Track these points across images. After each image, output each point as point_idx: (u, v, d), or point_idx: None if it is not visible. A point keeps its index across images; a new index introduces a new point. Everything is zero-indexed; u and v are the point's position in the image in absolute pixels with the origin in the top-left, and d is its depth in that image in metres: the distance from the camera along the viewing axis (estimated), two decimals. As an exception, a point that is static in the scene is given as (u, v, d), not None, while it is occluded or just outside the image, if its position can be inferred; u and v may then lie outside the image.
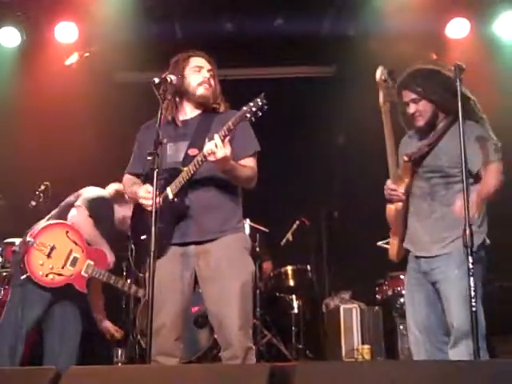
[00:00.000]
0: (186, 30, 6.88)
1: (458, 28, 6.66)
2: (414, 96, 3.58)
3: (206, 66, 3.57)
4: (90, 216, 4.42)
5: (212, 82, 3.55)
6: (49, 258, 4.27)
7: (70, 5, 6.49)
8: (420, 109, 3.57)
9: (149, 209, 3.30)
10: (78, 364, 4.33)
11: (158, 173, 3.07)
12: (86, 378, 2.35)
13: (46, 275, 4.23)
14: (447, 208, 3.45)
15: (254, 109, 3.13)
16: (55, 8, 6.55)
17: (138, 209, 3.50)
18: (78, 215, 4.39)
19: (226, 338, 3.28)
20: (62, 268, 4.29)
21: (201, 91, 3.50)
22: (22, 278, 4.20)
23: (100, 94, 6.83)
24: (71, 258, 4.33)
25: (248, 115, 3.13)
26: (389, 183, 3.62)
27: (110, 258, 4.48)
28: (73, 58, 6.92)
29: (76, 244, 4.35)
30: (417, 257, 3.57)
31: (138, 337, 5.74)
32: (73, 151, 6.61)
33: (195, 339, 5.62)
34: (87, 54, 6.86)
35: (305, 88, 7.25)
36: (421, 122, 3.61)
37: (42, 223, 4.44)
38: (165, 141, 3.17)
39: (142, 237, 3.45)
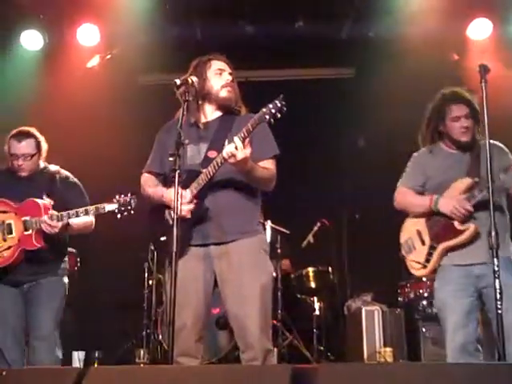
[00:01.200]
0: (207, 32, 6.89)
1: (479, 29, 6.61)
2: (467, 111, 3.69)
3: (227, 69, 3.60)
4: None
5: (234, 84, 3.58)
6: None
7: (92, 7, 6.53)
8: (469, 125, 3.69)
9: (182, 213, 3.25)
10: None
11: (179, 174, 3.07)
12: (109, 377, 2.36)
13: None
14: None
15: (272, 111, 3.12)
16: (77, 11, 6.61)
17: (156, 209, 3.51)
18: None
19: (246, 340, 3.28)
20: (5, 241, 4.09)
21: (224, 94, 3.52)
22: None
23: (122, 95, 6.87)
24: (6, 227, 4.11)
25: (267, 117, 3.13)
26: (468, 205, 3.57)
27: (42, 201, 4.12)
28: (94, 61, 7.00)
29: (3, 213, 4.13)
30: (466, 265, 3.58)
31: (160, 337, 5.77)
32: (95, 153, 6.66)
33: (216, 341, 5.63)
34: (109, 57, 6.93)
35: (325, 90, 7.23)
36: (468, 138, 3.71)
37: None
38: (186, 142, 3.17)
39: (162, 238, 3.45)
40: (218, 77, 3.54)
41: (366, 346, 5.52)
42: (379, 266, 6.54)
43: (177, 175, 3.05)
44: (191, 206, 3.29)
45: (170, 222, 3.40)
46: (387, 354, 5.32)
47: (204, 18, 6.77)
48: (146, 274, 6.38)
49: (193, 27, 6.88)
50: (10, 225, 4.11)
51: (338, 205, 6.82)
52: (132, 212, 3.90)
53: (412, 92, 6.39)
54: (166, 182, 3.55)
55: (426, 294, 5.87)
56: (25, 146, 4.19)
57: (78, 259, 5.97)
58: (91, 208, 3.98)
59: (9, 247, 4.07)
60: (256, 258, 3.38)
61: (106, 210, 3.92)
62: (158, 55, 6.58)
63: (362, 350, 5.53)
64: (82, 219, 4.13)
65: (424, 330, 5.44)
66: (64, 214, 3.99)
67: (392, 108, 6.51)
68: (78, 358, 5.70)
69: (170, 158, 3.08)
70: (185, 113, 3.28)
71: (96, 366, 5.80)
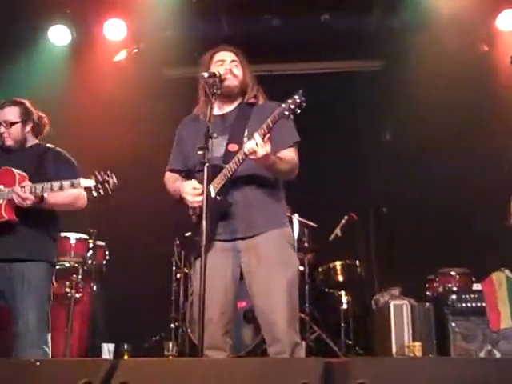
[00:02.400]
0: (233, 26, 6.89)
1: (508, 19, 6.51)
2: None
3: (230, 57, 3.54)
4: None
5: (236, 71, 3.51)
6: None
7: (119, 2, 6.57)
8: None
9: (194, 205, 3.33)
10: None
11: (207, 167, 3.07)
12: (140, 369, 2.37)
13: None
14: None
15: (292, 106, 3.10)
16: (104, 6, 6.66)
17: (180, 205, 3.51)
18: None
19: (273, 334, 3.27)
20: None
21: (224, 83, 3.43)
22: None
23: (147, 89, 6.90)
24: None
25: (286, 113, 3.11)
26: None
27: (18, 172, 3.88)
28: (121, 55, 7.03)
29: None
30: None
31: (189, 331, 5.79)
32: (122, 146, 6.70)
33: (243, 335, 5.64)
34: (135, 51, 6.95)
35: (353, 82, 7.18)
36: None
37: None
38: (215, 135, 3.16)
39: (187, 234, 3.46)
40: (219, 68, 3.49)
41: (395, 341, 5.47)
42: (407, 259, 6.51)
43: (206, 169, 3.05)
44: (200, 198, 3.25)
45: (194, 219, 3.41)
46: (416, 348, 5.28)
47: (230, 11, 6.76)
48: (174, 268, 6.41)
49: (219, 21, 6.88)
50: None
51: (365, 198, 6.78)
52: (110, 192, 3.65)
53: (441, 83, 6.35)
54: (189, 176, 3.56)
55: (455, 289, 5.84)
56: (6, 113, 4.02)
57: (107, 252, 6.03)
58: (65, 182, 3.67)
59: None
60: (282, 251, 3.38)
61: (82, 184, 3.65)
62: (185, 49, 6.59)
63: (391, 344, 5.49)
64: (62, 195, 3.82)
65: (453, 324, 5.39)
66: (38, 186, 3.71)
67: (421, 100, 6.46)
68: (107, 350, 5.75)
69: (199, 152, 3.07)
70: (213, 106, 3.27)
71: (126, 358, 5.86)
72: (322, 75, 7.44)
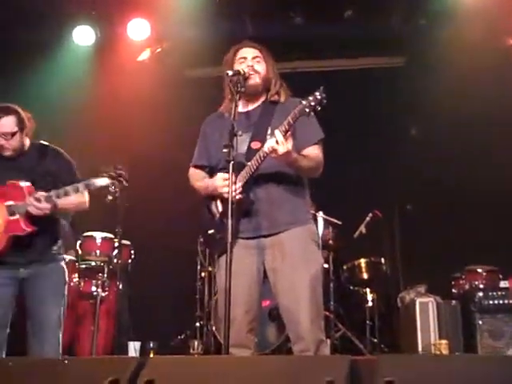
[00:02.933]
0: (256, 25, 6.89)
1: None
2: None
3: (251, 54, 3.52)
4: None
5: (258, 67, 3.48)
6: None
7: (142, 2, 6.61)
8: None
9: (226, 196, 3.25)
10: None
11: (233, 165, 3.06)
12: (167, 367, 2.38)
13: None
14: None
15: (312, 103, 3.09)
16: (128, 6, 6.70)
17: (204, 203, 3.53)
18: None
19: (297, 331, 3.26)
20: None
21: (248, 81, 3.41)
22: None
23: (172, 88, 6.93)
24: None
25: (307, 110, 3.10)
26: None
27: (24, 184, 3.87)
28: (145, 55, 7.07)
29: None
30: None
31: (213, 329, 5.81)
32: (145, 146, 6.74)
33: (268, 333, 5.64)
34: (159, 50, 6.99)
35: (376, 79, 7.15)
36: None
37: None
38: (239, 133, 3.16)
39: (210, 231, 3.47)
40: (241, 65, 3.47)
41: (421, 339, 5.44)
42: (432, 257, 6.46)
43: (231, 166, 3.05)
44: (239, 192, 3.26)
45: (217, 216, 3.42)
46: (442, 346, 5.23)
47: (253, 10, 6.76)
48: (199, 267, 6.44)
49: (242, 20, 6.88)
50: None
51: (390, 195, 6.75)
52: (126, 184, 3.71)
53: (465, 79, 6.28)
54: (213, 173, 3.56)
55: (481, 286, 5.78)
56: (4, 125, 3.88)
57: (132, 251, 6.08)
58: (81, 185, 3.71)
59: None
60: (306, 248, 3.37)
61: (98, 185, 3.69)
62: (208, 49, 6.60)
63: (417, 342, 5.45)
64: (71, 199, 3.84)
65: (480, 322, 5.34)
66: (52, 194, 3.74)
67: (446, 96, 6.40)
68: (133, 348, 5.79)
69: (224, 150, 3.07)
70: (238, 104, 3.27)
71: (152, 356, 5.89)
72: (345, 72, 7.41)
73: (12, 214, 3.82)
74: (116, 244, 5.65)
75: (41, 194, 3.77)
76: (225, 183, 3.28)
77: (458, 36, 6.43)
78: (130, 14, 6.81)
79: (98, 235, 5.76)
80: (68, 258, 5.03)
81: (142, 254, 6.18)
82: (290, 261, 3.30)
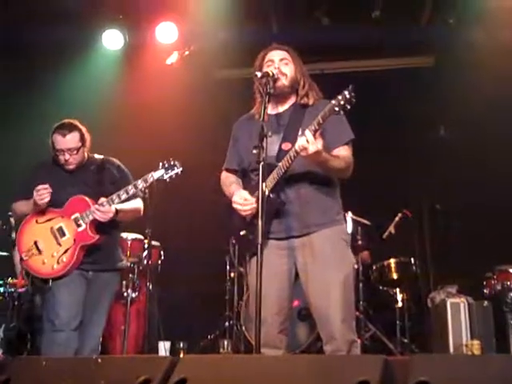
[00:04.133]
0: (283, 26, 6.90)
1: None
2: None
3: (279, 56, 3.54)
4: None
5: (285, 69, 3.50)
6: (41, 253, 4.11)
7: (170, 5, 6.65)
8: None
9: (242, 214, 3.38)
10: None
11: (263, 166, 3.07)
12: (199, 366, 2.40)
13: (58, 263, 4.04)
14: None
15: (342, 102, 3.09)
16: (155, 10, 6.75)
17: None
18: None
19: (329, 332, 3.26)
20: (60, 246, 4.07)
21: (277, 83, 3.43)
22: (48, 285, 4.05)
23: (200, 91, 6.96)
24: (57, 232, 4.10)
25: (336, 109, 3.10)
26: None
27: (82, 196, 4.12)
28: (173, 58, 7.11)
29: (50, 220, 4.13)
30: None
31: (243, 328, 5.82)
32: (175, 148, 6.76)
33: (298, 333, 5.64)
34: (187, 53, 7.03)
35: (404, 79, 7.10)
36: None
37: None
38: (269, 134, 3.17)
39: (242, 232, 3.49)
40: (270, 68, 3.48)
41: (452, 339, 5.38)
42: (463, 257, 6.40)
43: (261, 167, 3.06)
44: (252, 209, 3.33)
45: (248, 217, 3.43)
46: (474, 347, 5.17)
47: (279, 11, 6.77)
48: (228, 267, 6.46)
49: (268, 21, 6.89)
50: (60, 228, 4.11)
51: (419, 195, 6.70)
52: (180, 173, 3.95)
53: (494, 80, 6.21)
54: (245, 176, 3.60)
55: (513, 286, 5.71)
56: (70, 141, 4.11)
57: (162, 252, 6.11)
58: (139, 181, 3.96)
59: (66, 250, 4.06)
60: (337, 248, 3.37)
61: (155, 177, 3.93)
62: (236, 50, 6.63)
63: (448, 342, 5.39)
64: (129, 205, 4.13)
65: (513, 322, 5.28)
66: (113, 196, 3.97)
67: (476, 96, 6.34)
68: (163, 348, 5.82)
69: (254, 151, 3.08)
70: (267, 105, 3.28)
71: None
72: (373, 72, 7.37)
73: (79, 225, 4.07)
74: (146, 245, 5.71)
75: (103, 199, 4.01)
76: (241, 202, 3.38)
77: (487, 36, 6.36)
78: (158, 18, 6.87)
79: (129, 236, 5.80)
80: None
81: (172, 255, 6.22)
82: (322, 261, 3.30)
